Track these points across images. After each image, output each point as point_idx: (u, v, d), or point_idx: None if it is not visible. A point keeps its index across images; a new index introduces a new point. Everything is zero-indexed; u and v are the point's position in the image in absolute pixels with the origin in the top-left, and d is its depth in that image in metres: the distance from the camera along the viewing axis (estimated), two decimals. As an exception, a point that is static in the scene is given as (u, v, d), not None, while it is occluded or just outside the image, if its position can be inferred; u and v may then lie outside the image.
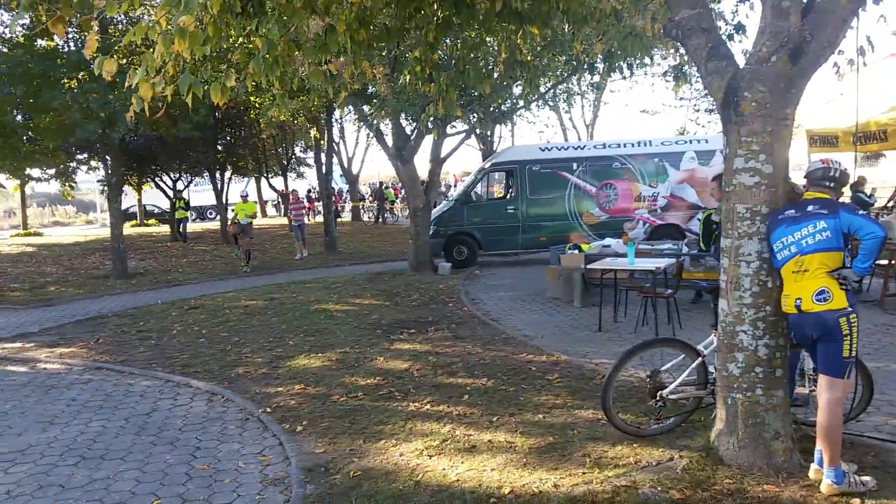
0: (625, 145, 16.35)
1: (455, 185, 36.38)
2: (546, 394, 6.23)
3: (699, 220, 7.91)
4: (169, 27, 4.30)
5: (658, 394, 4.95)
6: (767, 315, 4.46)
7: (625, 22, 8.66)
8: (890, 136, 9.97)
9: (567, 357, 7.50)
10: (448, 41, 9.20)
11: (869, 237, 4.07)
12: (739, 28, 8.06)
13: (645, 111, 41.29)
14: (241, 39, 5.75)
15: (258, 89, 14.81)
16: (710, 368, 5.04)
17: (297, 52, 5.39)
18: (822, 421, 4.12)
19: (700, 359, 5.05)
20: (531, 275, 14.07)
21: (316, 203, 35.61)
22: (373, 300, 11.69)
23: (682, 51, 14.71)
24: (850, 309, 4.10)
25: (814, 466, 4.23)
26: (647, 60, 9.55)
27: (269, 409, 6.21)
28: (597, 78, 21.07)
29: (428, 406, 6.08)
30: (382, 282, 13.64)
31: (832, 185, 4.42)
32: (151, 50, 4.47)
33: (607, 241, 12.13)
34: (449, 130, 16.22)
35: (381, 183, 38.95)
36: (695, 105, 28.86)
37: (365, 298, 11.89)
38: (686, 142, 17.02)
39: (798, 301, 4.18)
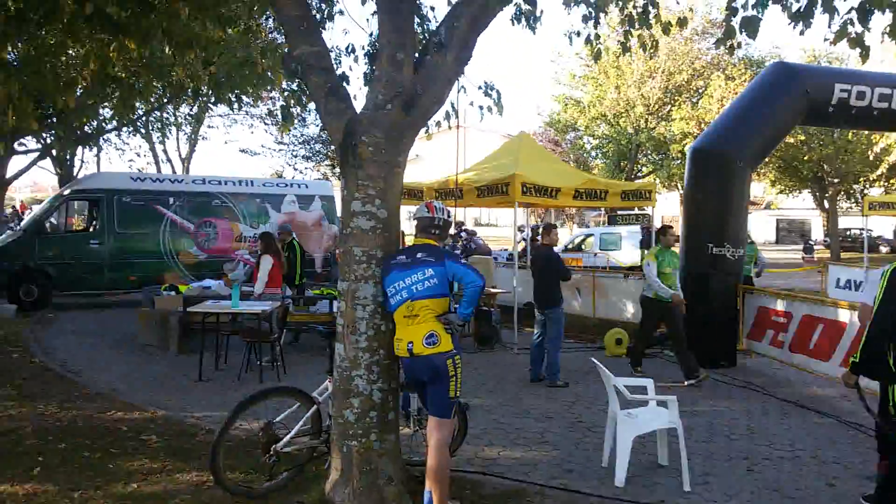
0: (226, 183, 15.89)
1: (21, 213, 31.41)
2: (141, 457, 5.43)
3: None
4: None
5: (272, 448, 4.63)
6: (381, 359, 4.50)
7: (238, 52, 8.36)
8: (465, 195, 11.31)
9: (164, 412, 6.71)
10: (25, 39, 7.80)
11: (470, 286, 4.37)
12: (343, 78, 8.33)
13: (245, 151, 41.01)
14: None
15: None
16: (325, 416, 4.91)
17: None
18: (432, 462, 4.23)
19: (315, 407, 4.89)
20: (119, 319, 12.54)
21: None
22: None
23: (287, 91, 15.00)
24: (456, 351, 4.34)
25: (424, 507, 4.32)
26: (259, 94, 9.35)
27: None
28: (195, 109, 20.34)
29: (-19, 488, 4.81)
30: (-84, 329, 10.82)
31: (437, 232, 4.67)
32: None
33: (207, 282, 11.48)
34: (18, 148, 13.87)
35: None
36: (293, 150, 29.80)
37: None
38: (287, 185, 17.29)
39: (410, 345, 4.28)
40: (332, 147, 27.68)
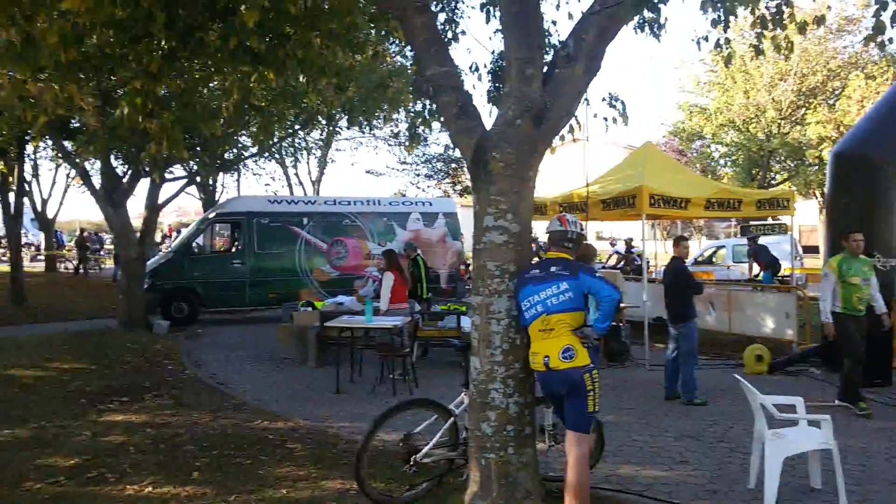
0: (355, 203, 16.54)
1: (169, 236, 33.93)
2: (287, 464, 5.73)
3: None
4: None
5: (411, 458, 4.77)
6: (517, 372, 4.53)
7: (369, 76, 8.73)
8: (590, 208, 11.15)
9: (306, 422, 7.06)
10: (174, 75, 8.50)
11: (606, 299, 4.33)
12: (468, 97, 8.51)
13: (370, 172, 42.32)
14: None
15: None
16: (461, 429, 4.99)
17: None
18: (572, 478, 4.21)
19: (452, 419, 4.98)
20: (260, 333, 13.33)
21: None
22: (75, 363, 10.09)
23: (412, 112, 15.49)
24: (592, 365, 4.30)
25: (562, 522, 4.30)
26: (390, 116, 9.73)
27: (-70, 511, 4.88)
28: (325, 133, 21.30)
29: (150, 488, 5.23)
30: (87, 342, 11.85)
31: (570, 245, 4.67)
32: None
33: (340, 298, 11.96)
34: (167, 175, 15.03)
35: (81, 230, 34.83)
36: (416, 170, 30.46)
37: (64, 362, 10.22)
38: (412, 203, 17.76)
39: (546, 359, 4.29)
40: (453, 165, 28.27)
